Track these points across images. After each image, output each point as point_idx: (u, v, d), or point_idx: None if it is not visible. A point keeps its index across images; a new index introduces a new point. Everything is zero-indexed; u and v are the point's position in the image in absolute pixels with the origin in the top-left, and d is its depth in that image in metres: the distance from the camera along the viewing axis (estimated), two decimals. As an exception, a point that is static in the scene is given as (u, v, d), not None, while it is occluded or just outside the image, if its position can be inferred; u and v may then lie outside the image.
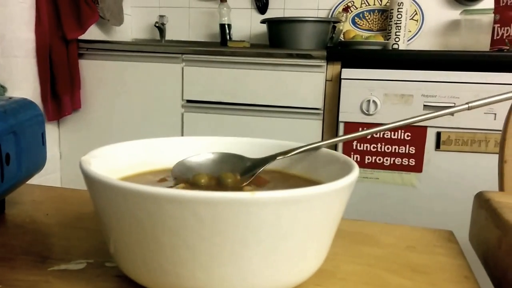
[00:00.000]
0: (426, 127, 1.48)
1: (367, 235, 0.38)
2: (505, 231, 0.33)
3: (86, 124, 1.79)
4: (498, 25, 1.63)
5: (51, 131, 1.79)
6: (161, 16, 2.14)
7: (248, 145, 0.40)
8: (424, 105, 1.46)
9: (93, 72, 1.74)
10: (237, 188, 0.33)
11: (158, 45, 1.82)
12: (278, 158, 0.36)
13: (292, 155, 0.36)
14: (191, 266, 0.25)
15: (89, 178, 0.27)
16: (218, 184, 0.34)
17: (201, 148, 0.39)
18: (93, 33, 1.88)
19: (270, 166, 0.36)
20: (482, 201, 0.39)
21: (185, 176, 0.35)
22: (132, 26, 2.27)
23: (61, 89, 1.70)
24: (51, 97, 1.71)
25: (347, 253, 0.35)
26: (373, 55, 1.58)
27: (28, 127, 0.40)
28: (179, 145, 0.39)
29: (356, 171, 0.30)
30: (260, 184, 0.35)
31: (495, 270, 0.32)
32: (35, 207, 0.43)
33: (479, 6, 1.89)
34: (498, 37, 1.63)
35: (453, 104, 1.44)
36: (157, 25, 2.12)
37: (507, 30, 1.60)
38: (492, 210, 0.36)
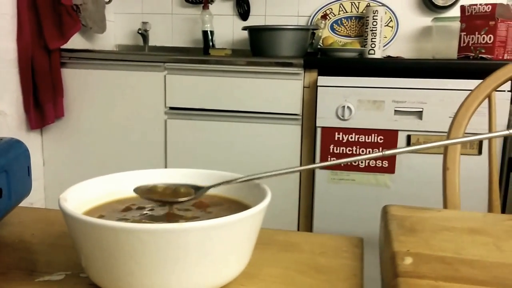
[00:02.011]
0: (397, 130, 1.56)
1: (291, 243, 0.46)
2: (388, 239, 0.41)
3: (69, 132, 1.84)
4: (464, 33, 1.72)
5: (34, 139, 1.83)
6: (144, 23, 2.20)
7: (201, 175, 0.48)
8: (395, 110, 1.55)
9: (76, 80, 1.80)
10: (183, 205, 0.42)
11: (140, 54, 1.89)
12: (218, 185, 0.44)
13: (230, 184, 0.44)
14: (139, 276, 0.34)
15: (63, 213, 0.35)
16: (173, 193, 0.43)
17: (160, 178, 0.47)
18: (75, 40, 1.93)
19: (212, 191, 0.44)
20: (383, 213, 0.47)
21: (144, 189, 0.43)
22: (116, 33, 2.33)
23: (43, 98, 1.74)
24: (34, 106, 1.75)
25: (271, 258, 0.43)
26: (347, 63, 1.66)
27: (17, 164, 0.48)
28: (141, 176, 0.47)
29: (266, 199, 0.39)
30: (201, 207, 0.43)
31: (382, 272, 0.40)
32: (22, 228, 0.50)
33: (449, 13, 1.98)
34: (464, 44, 1.72)
35: (421, 109, 1.53)
36: (140, 31, 2.17)
37: (472, 38, 1.69)
38: (385, 221, 0.44)
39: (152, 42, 2.27)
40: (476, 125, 1.46)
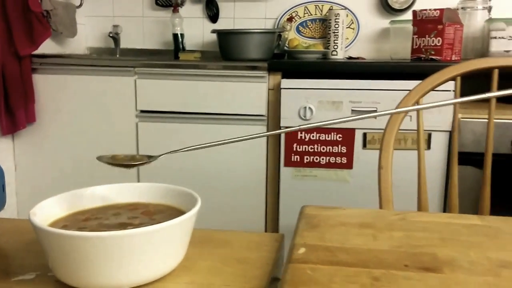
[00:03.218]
0: (354, 129, 1.68)
1: (224, 240, 0.56)
2: (294, 234, 0.52)
3: (41, 137, 1.90)
4: (416, 36, 1.84)
5: (5, 144, 1.89)
6: (115, 26, 2.26)
7: (152, 188, 0.58)
8: (352, 110, 1.66)
9: (47, 86, 1.86)
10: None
11: (111, 59, 1.96)
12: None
13: (177, 152, 0.53)
14: (94, 272, 0.44)
15: (32, 225, 0.45)
16: (130, 159, 0.55)
17: (115, 194, 0.58)
18: (46, 45, 1.97)
19: (158, 200, 0.54)
20: (299, 213, 0.58)
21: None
22: (87, 36, 2.38)
23: (15, 104, 1.79)
24: (5, 112, 1.80)
25: (205, 253, 0.52)
26: (308, 66, 1.77)
27: (-9, 182, 0.57)
28: (98, 192, 0.57)
29: (196, 207, 0.49)
30: (148, 215, 0.53)
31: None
32: (-3, 237, 0.59)
33: (405, 16, 2.10)
34: (416, 47, 1.84)
35: (376, 109, 1.65)
36: (111, 35, 2.24)
37: (423, 40, 1.82)
38: (298, 219, 0.55)
39: (124, 44, 2.33)
40: (425, 122, 1.59)
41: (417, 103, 1.00)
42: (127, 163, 0.55)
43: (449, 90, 1.60)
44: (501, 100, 1.66)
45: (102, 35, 2.37)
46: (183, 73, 1.78)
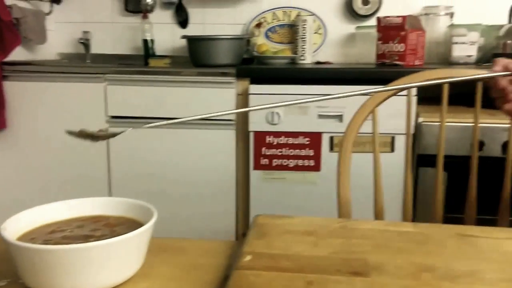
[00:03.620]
0: (321, 133, 1.73)
1: (181, 248, 0.60)
2: (245, 242, 0.55)
3: (11, 143, 1.90)
4: (381, 41, 1.91)
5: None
6: (85, 32, 2.27)
7: (116, 203, 0.61)
8: (318, 115, 1.71)
9: (18, 93, 1.86)
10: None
11: (81, 66, 1.97)
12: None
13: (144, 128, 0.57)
14: (58, 279, 0.48)
15: (2, 239, 0.49)
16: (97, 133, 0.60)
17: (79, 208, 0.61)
18: (16, 51, 1.97)
19: (119, 213, 0.58)
20: (252, 221, 0.62)
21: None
22: (57, 41, 2.38)
23: (-15, 110, 1.80)
24: (-24, 119, 1.80)
25: (163, 260, 0.56)
26: (275, 73, 1.81)
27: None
28: (64, 207, 0.61)
29: (152, 219, 0.53)
30: (109, 226, 0.57)
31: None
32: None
33: (370, 22, 2.16)
34: (381, 52, 1.91)
35: (341, 113, 1.70)
36: (81, 41, 2.24)
37: (387, 46, 1.88)
38: (250, 228, 0.59)
39: (94, 49, 2.34)
40: (389, 125, 1.65)
41: (372, 113, 1.05)
42: (96, 134, 0.59)
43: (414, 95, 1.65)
44: (464, 103, 1.72)
45: (73, 41, 2.37)
46: (152, 79, 1.81)
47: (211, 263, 0.55)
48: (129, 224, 0.58)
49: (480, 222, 1.08)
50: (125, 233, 0.50)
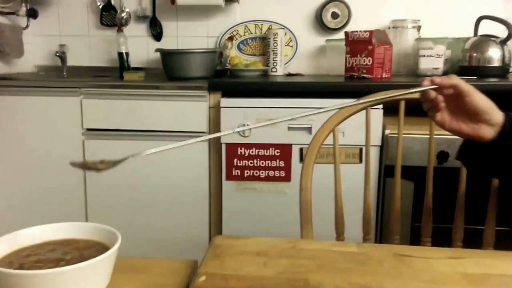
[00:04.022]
0: (291, 144, 1.79)
1: (144, 267, 0.65)
2: (201, 262, 0.61)
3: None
4: (349, 55, 1.98)
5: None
6: (61, 45, 2.29)
7: (86, 227, 0.66)
8: (288, 127, 1.78)
9: (-5, 107, 1.89)
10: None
11: (57, 81, 2.00)
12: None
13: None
14: None
15: None
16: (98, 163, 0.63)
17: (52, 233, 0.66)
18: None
19: (88, 237, 0.63)
20: (210, 243, 0.67)
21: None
22: (34, 54, 2.40)
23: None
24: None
25: (127, 279, 0.61)
26: (246, 87, 1.87)
27: None
28: (39, 230, 0.66)
29: (117, 243, 0.58)
30: (79, 249, 0.62)
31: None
32: None
33: (340, 35, 2.23)
34: (349, 65, 1.98)
35: (310, 126, 1.76)
36: (58, 54, 2.27)
37: (355, 60, 1.95)
38: (208, 248, 0.64)
39: (71, 62, 2.36)
40: (357, 137, 1.72)
41: (333, 131, 1.11)
42: (95, 167, 0.64)
43: (378, 108, 1.73)
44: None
45: (50, 53, 2.39)
46: (127, 93, 1.85)
47: (172, 283, 0.60)
48: (96, 247, 0.64)
49: (437, 230, 1.16)
50: (93, 256, 0.56)
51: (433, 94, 0.70)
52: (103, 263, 0.57)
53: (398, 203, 1.15)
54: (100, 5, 2.33)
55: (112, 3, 2.33)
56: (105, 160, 0.64)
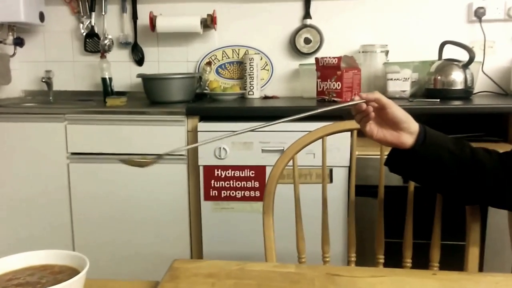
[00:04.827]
0: (265, 166, 1.90)
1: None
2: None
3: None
4: (320, 80, 2.10)
5: None
6: (47, 71, 2.39)
7: (62, 255, 0.75)
8: (262, 150, 1.88)
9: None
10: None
11: (42, 107, 2.10)
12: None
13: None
14: None
15: None
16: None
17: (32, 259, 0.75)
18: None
19: (63, 263, 0.72)
20: (169, 266, 0.77)
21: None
22: (22, 80, 2.50)
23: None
24: None
25: None
26: (223, 111, 1.98)
27: None
28: (20, 257, 0.74)
29: (85, 268, 0.67)
30: (54, 274, 0.71)
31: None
32: None
33: (312, 59, 2.34)
34: (320, 89, 2.10)
35: (283, 148, 1.87)
36: (44, 80, 2.37)
37: (326, 84, 2.07)
38: (166, 272, 0.74)
39: (57, 87, 2.46)
40: (328, 158, 1.82)
41: (292, 159, 1.22)
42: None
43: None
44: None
45: (36, 79, 2.49)
46: (109, 118, 1.95)
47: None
48: (69, 272, 0.73)
49: (388, 245, 1.25)
50: (65, 280, 0.65)
51: (364, 106, 0.83)
52: (73, 285, 0.66)
53: (352, 223, 1.25)
54: (84, 32, 2.44)
55: (96, 30, 2.44)
56: (146, 158, 0.79)
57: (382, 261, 1.21)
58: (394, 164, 0.92)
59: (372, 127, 0.86)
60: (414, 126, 0.85)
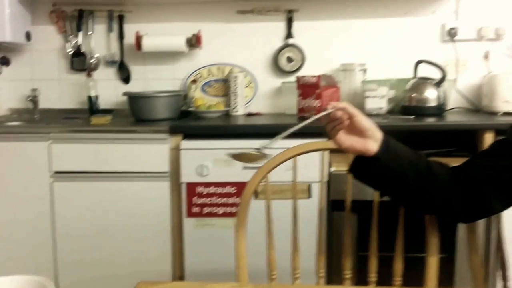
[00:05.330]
0: (246, 182, 1.93)
1: None
2: None
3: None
4: (300, 97, 2.15)
5: None
6: (33, 90, 2.44)
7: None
8: (243, 167, 1.92)
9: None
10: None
11: (26, 127, 2.14)
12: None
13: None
14: None
15: None
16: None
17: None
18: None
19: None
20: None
21: None
22: (8, 98, 2.54)
23: None
24: None
25: None
26: (205, 129, 2.03)
27: None
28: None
29: None
30: None
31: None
32: None
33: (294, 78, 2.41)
34: (301, 107, 2.15)
35: (261, 164, 1.91)
36: (29, 98, 2.41)
37: (306, 102, 2.13)
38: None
39: (43, 104, 2.49)
40: (306, 174, 1.87)
41: (264, 178, 1.26)
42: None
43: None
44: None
45: (22, 97, 2.52)
46: (94, 137, 1.99)
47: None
48: None
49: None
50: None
51: (339, 113, 0.88)
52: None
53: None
54: (70, 51, 2.48)
55: (82, 49, 2.49)
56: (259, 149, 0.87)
57: (348, 276, 1.25)
58: (357, 171, 0.97)
59: (341, 136, 0.91)
60: (378, 134, 0.91)
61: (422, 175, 0.92)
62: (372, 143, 0.90)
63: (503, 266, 1.25)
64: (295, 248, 1.31)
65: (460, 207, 0.93)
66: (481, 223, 1.81)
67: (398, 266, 1.18)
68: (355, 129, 0.90)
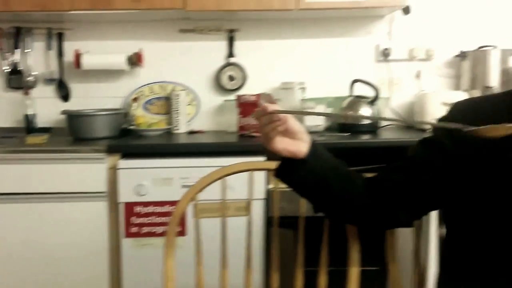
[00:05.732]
0: (184, 201, 1.94)
1: None
2: None
3: None
4: (241, 116, 2.19)
5: None
6: (-32, 107, 2.36)
7: None
8: (182, 185, 1.93)
9: None
10: None
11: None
12: None
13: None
14: None
15: None
16: None
17: None
18: None
19: None
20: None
21: None
22: None
23: None
24: None
25: None
26: (142, 149, 2.02)
27: None
28: None
29: None
30: None
31: None
32: None
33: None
34: (241, 125, 2.19)
35: (201, 184, 1.92)
36: (-38, 117, 2.33)
37: (246, 120, 2.16)
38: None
39: (-22, 123, 2.42)
40: (245, 192, 1.90)
41: (192, 199, 1.28)
42: None
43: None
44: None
45: (-44, 115, 2.44)
46: (29, 157, 1.94)
47: None
48: None
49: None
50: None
51: (281, 115, 0.89)
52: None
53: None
54: (7, 69, 2.42)
55: (19, 67, 2.43)
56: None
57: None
58: (284, 175, 0.99)
59: (277, 139, 0.92)
60: (306, 136, 0.94)
61: (343, 182, 0.97)
62: (303, 144, 0.93)
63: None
64: (224, 265, 1.32)
65: (372, 216, 0.98)
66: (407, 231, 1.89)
67: (323, 280, 1.22)
68: (286, 132, 0.92)
